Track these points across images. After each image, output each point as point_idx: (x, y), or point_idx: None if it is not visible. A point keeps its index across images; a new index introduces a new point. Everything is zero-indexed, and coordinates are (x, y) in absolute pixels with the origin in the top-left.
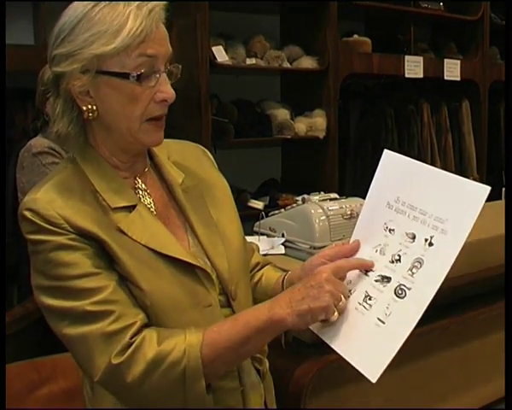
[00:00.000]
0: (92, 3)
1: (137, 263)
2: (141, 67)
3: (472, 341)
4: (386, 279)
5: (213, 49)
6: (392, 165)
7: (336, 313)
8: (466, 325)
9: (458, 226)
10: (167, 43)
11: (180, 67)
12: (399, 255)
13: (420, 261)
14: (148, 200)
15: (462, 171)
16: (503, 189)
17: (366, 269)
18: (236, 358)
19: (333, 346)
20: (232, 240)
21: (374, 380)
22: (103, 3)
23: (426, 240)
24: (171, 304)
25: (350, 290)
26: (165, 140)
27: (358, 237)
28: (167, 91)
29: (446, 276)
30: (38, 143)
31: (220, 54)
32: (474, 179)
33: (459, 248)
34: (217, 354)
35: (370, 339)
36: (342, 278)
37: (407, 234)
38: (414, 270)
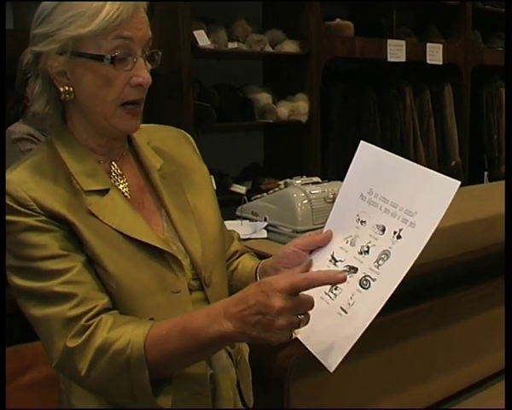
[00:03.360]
0: None
1: (105, 246)
2: (116, 49)
3: (455, 323)
4: (353, 270)
5: (195, 33)
6: (368, 156)
7: (294, 335)
8: (449, 308)
9: (426, 220)
10: (146, 28)
11: (160, 53)
12: (368, 247)
13: (387, 253)
14: (122, 184)
15: (444, 155)
16: (486, 172)
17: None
18: (185, 364)
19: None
20: (208, 227)
21: (331, 370)
22: None
23: (394, 233)
24: (137, 288)
25: None
26: (146, 125)
27: (331, 227)
28: (143, 76)
29: (411, 268)
30: (18, 129)
31: (202, 38)
32: (456, 163)
33: (425, 242)
34: (162, 357)
35: (332, 328)
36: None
37: (377, 226)
38: (380, 262)
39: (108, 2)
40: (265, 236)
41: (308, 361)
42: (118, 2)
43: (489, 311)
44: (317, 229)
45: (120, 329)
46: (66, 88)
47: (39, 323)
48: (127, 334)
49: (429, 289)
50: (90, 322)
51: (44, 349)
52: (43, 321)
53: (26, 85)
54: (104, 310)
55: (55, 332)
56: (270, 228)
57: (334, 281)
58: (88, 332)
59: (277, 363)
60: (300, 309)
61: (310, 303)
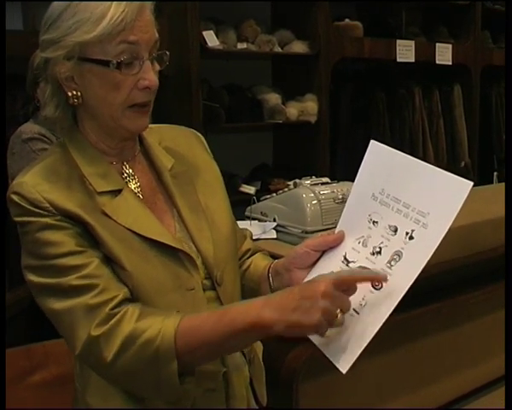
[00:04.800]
0: None
1: (121, 245)
2: (122, 54)
3: (464, 324)
4: None
5: (204, 33)
6: (379, 156)
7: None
8: (458, 309)
9: (438, 221)
10: (152, 30)
11: (168, 53)
12: (380, 248)
13: (399, 254)
14: (134, 185)
15: (453, 155)
16: (495, 173)
17: (374, 282)
18: (216, 353)
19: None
20: (220, 226)
21: (344, 371)
22: None
23: (407, 233)
24: (153, 286)
25: None
26: (157, 125)
27: (343, 227)
28: (150, 79)
29: (423, 269)
30: (28, 129)
31: (211, 38)
32: (466, 164)
33: (437, 243)
34: (194, 345)
35: (344, 330)
36: (348, 290)
37: (390, 227)
38: (392, 262)
39: (114, 5)
40: (275, 236)
41: (317, 362)
42: (123, 4)
43: (498, 312)
44: (326, 229)
45: (149, 319)
46: (75, 92)
47: (60, 315)
48: (157, 324)
49: (438, 290)
50: (116, 311)
51: (66, 341)
52: (64, 313)
53: (36, 86)
54: (126, 300)
55: (77, 322)
56: (279, 228)
57: (376, 279)
58: (114, 320)
59: (287, 364)
60: (340, 302)
61: (348, 303)
